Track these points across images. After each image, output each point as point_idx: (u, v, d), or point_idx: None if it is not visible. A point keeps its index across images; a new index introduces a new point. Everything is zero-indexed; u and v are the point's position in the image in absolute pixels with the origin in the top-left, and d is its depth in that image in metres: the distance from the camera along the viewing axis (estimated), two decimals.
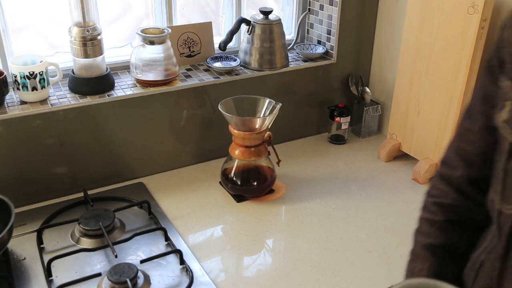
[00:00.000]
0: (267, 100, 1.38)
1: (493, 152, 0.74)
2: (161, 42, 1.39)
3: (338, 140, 1.72)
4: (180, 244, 1.18)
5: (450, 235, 0.81)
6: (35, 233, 1.18)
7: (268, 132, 1.36)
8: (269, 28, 1.55)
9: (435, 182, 0.84)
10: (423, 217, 0.84)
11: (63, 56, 1.42)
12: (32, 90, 1.26)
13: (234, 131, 1.33)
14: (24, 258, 1.13)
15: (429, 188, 0.86)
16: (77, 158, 1.36)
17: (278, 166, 1.44)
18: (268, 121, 1.34)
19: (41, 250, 1.15)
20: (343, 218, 1.32)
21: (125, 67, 1.49)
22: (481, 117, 0.76)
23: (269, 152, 1.40)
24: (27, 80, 1.25)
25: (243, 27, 1.58)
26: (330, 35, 1.67)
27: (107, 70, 1.38)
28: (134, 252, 1.15)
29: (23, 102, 1.28)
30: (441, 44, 1.38)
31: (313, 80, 1.68)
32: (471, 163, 0.79)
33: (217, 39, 1.59)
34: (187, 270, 1.10)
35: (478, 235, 0.82)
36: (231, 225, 1.28)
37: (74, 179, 1.38)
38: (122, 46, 1.52)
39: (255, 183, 1.37)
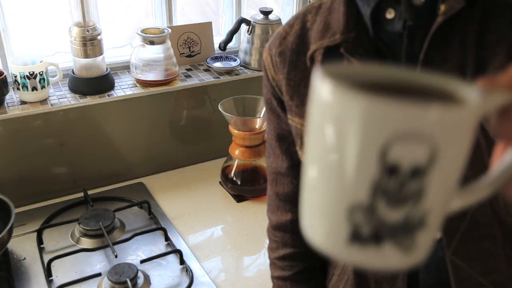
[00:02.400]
0: None
1: None
2: (161, 42, 1.39)
3: None
4: (180, 244, 1.18)
5: (305, 285, 0.80)
6: (35, 233, 1.18)
7: None
8: (269, 28, 1.55)
9: (271, 235, 0.82)
10: (274, 276, 0.83)
11: (63, 56, 1.42)
12: (32, 90, 1.26)
13: (234, 131, 1.33)
14: (24, 258, 1.13)
15: (268, 243, 0.84)
16: (77, 158, 1.36)
17: None
18: None
19: (41, 250, 1.15)
20: None
21: (125, 67, 1.49)
22: (285, 157, 0.74)
23: None
24: (27, 80, 1.25)
25: (243, 27, 1.58)
26: None
27: (107, 70, 1.38)
28: (134, 252, 1.15)
29: (23, 102, 1.28)
30: None
31: None
32: (296, 203, 0.76)
33: (217, 39, 1.59)
34: (187, 270, 1.09)
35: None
36: (231, 225, 1.28)
37: (74, 179, 1.37)
38: (122, 46, 1.51)
39: (255, 183, 1.37)
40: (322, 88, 0.24)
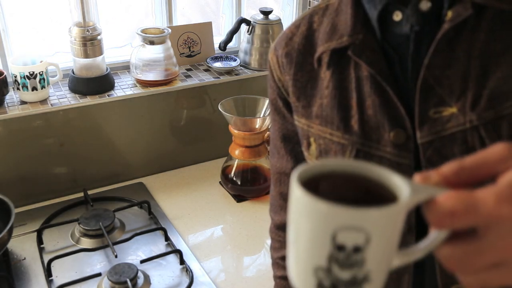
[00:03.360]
0: (267, 100, 1.38)
1: None
2: (161, 42, 1.39)
3: None
4: (180, 244, 1.18)
5: None
6: (35, 233, 1.18)
7: (268, 132, 1.36)
8: (269, 28, 1.55)
9: (274, 235, 0.83)
10: (277, 275, 0.83)
11: (63, 56, 1.42)
12: (32, 90, 1.26)
13: (234, 131, 1.33)
14: (24, 258, 1.13)
15: (271, 243, 0.84)
16: (77, 158, 1.36)
17: None
18: (268, 121, 1.34)
19: (41, 250, 1.15)
20: None
21: (125, 67, 1.49)
22: (290, 157, 0.75)
23: (269, 152, 1.40)
24: (27, 80, 1.25)
25: (243, 27, 1.58)
26: None
27: (107, 70, 1.38)
28: (134, 252, 1.15)
29: (23, 102, 1.28)
30: None
31: None
32: None
33: (217, 39, 1.59)
34: (187, 270, 1.10)
35: None
36: (231, 225, 1.28)
37: (74, 179, 1.38)
38: (122, 46, 1.52)
39: (255, 183, 1.37)
40: (296, 191, 0.35)
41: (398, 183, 0.37)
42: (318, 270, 0.36)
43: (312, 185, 0.36)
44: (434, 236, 0.36)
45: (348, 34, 0.59)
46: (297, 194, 0.35)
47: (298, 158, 0.74)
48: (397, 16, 0.55)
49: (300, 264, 0.37)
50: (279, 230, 0.81)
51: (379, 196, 0.37)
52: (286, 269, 0.80)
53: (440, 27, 0.53)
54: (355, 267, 0.35)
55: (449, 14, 0.52)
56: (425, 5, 0.53)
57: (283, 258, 0.81)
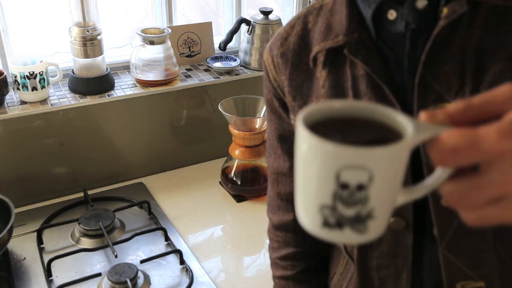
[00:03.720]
0: None
1: None
2: (161, 42, 1.39)
3: None
4: (180, 244, 1.18)
5: (307, 284, 0.80)
6: (35, 233, 1.18)
7: None
8: (269, 28, 1.55)
9: (272, 235, 0.83)
10: (276, 275, 0.83)
11: (63, 56, 1.42)
12: (32, 90, 1.26)
13: (234, 131, 1.33)
14: (24, 258, 1.13)
15: (269, 243, 0.84)
16: (77, 158, 1.36)
17: None
18: None
19: (41, 250, 1.15)
20: None
21: (125, 67, 1.49)
22: (287, 157, 0.75)
23: None
24: (27, 80, 1.25)
25: (243, 27, 1.58)
26: None
27: (107, 70, 1.38)
28: (134, 252, 1.15)
29: (23, 102, 1.28)
30: None
31: None
32: None
33: (217, 39, 1.59)
34: (187, 270, 1.10)
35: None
36: (231, 225, 1.28)
37: (74, 179, 1.38)
38: (122, 46, 1.52)
39: (255, 183, 1.37)
40: (301, 132, 0.36)
41: (402, 122, 0.37)
42: (324, 208, 0.37)
43: (317, 126, 0.37)
44: (438, 174, 0.37)
45: (343, 33, 0.59)
46: (303, 135, 0.36)
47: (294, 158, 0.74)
48: (392, 15, 0.55)
49: (307, 203, 0.38)
50: (277, 230, 0.81)
51: (383, 136, 0.37)
52: (286, 270, 0.81)
53: (436, 24, 0.53)
54: (359, 205, 0.36)
55: (445, 11, 0.52)
56: (421, 3, 0.53)
57: (282, 258, 0.81)
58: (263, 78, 0.73)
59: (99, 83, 1.35)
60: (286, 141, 0.74)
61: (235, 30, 1.55)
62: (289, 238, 0.79)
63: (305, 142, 0.36)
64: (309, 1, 1.71)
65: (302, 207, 0.39)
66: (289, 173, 0.75)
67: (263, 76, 0.73)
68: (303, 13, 0.68)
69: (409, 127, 0.36)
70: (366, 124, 0.39)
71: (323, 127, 0.37)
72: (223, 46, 1.56)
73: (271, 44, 0.70)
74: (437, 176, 0.37)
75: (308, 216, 0.39)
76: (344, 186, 0.35)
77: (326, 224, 0.37)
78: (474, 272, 0.60)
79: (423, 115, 0.36)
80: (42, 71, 1.27)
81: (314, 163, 0.36)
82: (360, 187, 0.35)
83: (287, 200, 0.78)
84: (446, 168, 0.36)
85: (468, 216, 0.36)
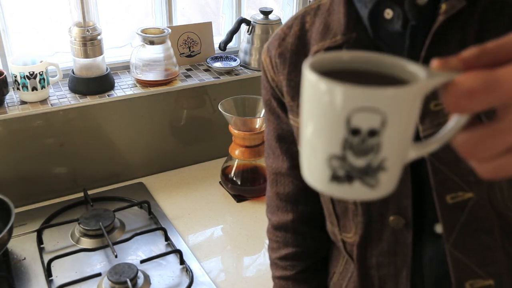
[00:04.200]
0: None
1: None
2: (161, 42, 1.39)
3: None
4: (180, 244, 1.18)
5: (307, 284, 0.80)
6: (35, 233, 1.18)
7: None
8: (269, 28, 1.55)
9: (271, 236, 0.82)
10: (276, 276, 0.83)
11: (63, 56, 1.42)
12: (32, 90, 1.26)
13: (234, 131, 1.33)
14: (24, 258, 1.13)
15: (269, 243, 0.84)
16: (77, 158, 1.36)
17: None
18: None
19: (41, 250, 1.15)
20: None
21: (125, 67, 1.49)
22: (286, 157, 0.74)
23: None
24: (27, 80, 1.25)
25: (243, 27, 1.58)
26: None
27: (107, 70, 1.38)
28: (134, 252, 1.15)
29: (23, 102, 1.28)
30: None
31: None
32: (296, 203, 0.77)
33: (217, 39, 1.59)
34: (187, 270, 1.10)
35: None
36: (231, 225, 1.28)
37: (74, 179, 1.38)
38: (122, 46, 1.52)
39: (255, 183, 1.37)
40: (309, 77, 0.34)
41: (414, 70, 0.35)
42: (332, 159, 0.35)
43: (324, 75, 0.34)
44: (452, 123, 0.35)
45: (341, 33, 0.60)
46: (310, 80, 0.34)
47: (294, 158, 0.74)
48: (388, 14, 0.56)
49: (314, 156, 0.36)
50: (277, 230, 0.81)
51: (395, 84, 0.34)
52: (285, 270, 0.81)
53: (434, 21, 0.53)
54: (370, 153, 0.34)
55: (443, 6, 0.52)
56: (422, 0, 0.53)
57: (281, 259, 0.81)
58: (261, 79, 0.73)
59: (99, 83, 1.35)
60: (285, 141, 0.74)
61: (235, 30, 1.55)
62: (288, 238, 0.79)
63: (312, 86, 0.34)
64: (309, 1, 1.71)
65: (309, 161, 0.37)
66: (288, 173, 0.75)
67: (261, 76, 0.73)
68: (300, 13, 0.68)
69: (421, 74, 0.34)
70: (376, 75, 0.37)
71: (330, 76, 0.34)
72: (223, 46, 1.56)
73: (268, 44, 0.70)
74: (451, 126, 0.35)
75: (314, 170, 0.36)
76: (355, 131, 0.33)
77: (334, 177, 0.35)
78: (482, 269, 0.59)
79: (435, 62, 0.34)
80: (42, 71, 1.27)
81: (322, 109, 0.34)
82: (372, 133, 0.33)
83: (286, 201, 0.78)
84: (461, 116, 0.34)
85: (483, 168, 0.34)
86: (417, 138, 0.57)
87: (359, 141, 0.33)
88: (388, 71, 0.36)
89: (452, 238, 0.59)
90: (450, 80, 0.33)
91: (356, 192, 0.36)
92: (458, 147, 0.34)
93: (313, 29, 0.65)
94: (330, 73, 0.35)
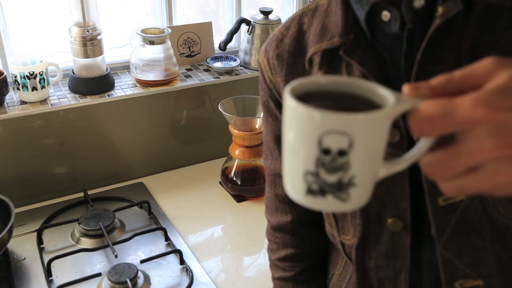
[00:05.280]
0: None
1: None
2: (161, 42, 1.39)
3: None
4: (180, 244, 1.18)
5: (306, 285, 0.80)
6: (35, 233, 1.18)
7: None
8: (269, 28, 1.55)
9: (270, 237, 0.82)
10: (275, 277, 0.83)
11: (63, 56, 1.42)
12: (32, 90, 1.26)
13: (234, 131, 1.33)
14: (24, 258, 1.13)
15: (268, 244, 0.84)
16: (77, 158, 1.36)
17: None
18: None
19: (41, 250, 1.15)
20: None
21: (125, 67, 1.49)
22: None
23: None
24: (27, 80, 1.25)
25: (243, 27, 1.58)
26: None
27: (107, 70, 1.38)
28: (134, 252, 1.15)
29: (23, 102, 1.28)
30: None
31: None
32: (295, 204, 0.77)
33: (217, 39, 1.59)
34: (187, 270, 1.10)
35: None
36: (231, 225, 1.28)
37: (74, 179, 1.38)
38: (122, 46, 1.52)
39: (255, 183, 1.37)
40: (288, 102, 0.38)
41: (384, 94, 0.38)
42: (307, 175, 0.38)
43: (303, 98, 0.38)
44: (419, 146, 0.38)
45: (339, 34, 0.60)
46: (288, 104, 0.38)
47: None
48: (385, 16, 0.55)
49: (292, 171, 0.40)
50: (276, 231, 0.81)
51: (365, 107, 0.38)
52: (285, 271, 0.81)
53: (431, 24, 0.53)
54: (341, 171, 0.37)
55: (440, 10, 0.52)
56: (418, 3, 0.53)
57: (281, 260, 0.81)
58: (259, 80, 0.73)
59: (99, 83, 1.35)
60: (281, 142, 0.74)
61: (235, 30, 1.55)
62: (287, 239, 0.79)
63: (290, 109, 0.38)
64: (309, 2, 1.71)
65: (288, 175, 0.41)
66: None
67: (259, 77, 0.73)
68: (298, 14, 0.68)
69: (390, 99, 0.37)
70: (349, 97, 0.40)
71: (308, 99, 0.38)
72: (223, 46, 1.56)
73: (266, 45, 0.70)
74: (418, 149, 0.38)
75: (293, 184, 0.40)
76: (326, 151, 0.37)
77: (309, 191, 0.39)
78: (472, 270, 0.60)
79: (406, 88, 0.37)
80: (42, 71, 1.27)
81: (298, 130, 0.38)
82: (341, 153, 0.37)
83: (285, 202, 0.78)
84: (426, 140, 0.37)
85: (446, 186, 0.37)
86: (409, 143, 0.57)
87: (330, 159, 0.37)
88: (361, 93, 0.40)
89: (443, 239, 0.59)
90: (415, 107, 0.36)
91: (329, 205, 0.39)
92: (424, 167, 0.37)
93: (310, 30, 0.65)
94: (309, 95, 0.40)
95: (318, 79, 0.42)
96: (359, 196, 0.39)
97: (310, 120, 0.36)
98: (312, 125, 0.36)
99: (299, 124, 0.37)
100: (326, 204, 0.39)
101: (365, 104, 0.39)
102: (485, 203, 0.57)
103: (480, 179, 0.35)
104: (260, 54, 0.72)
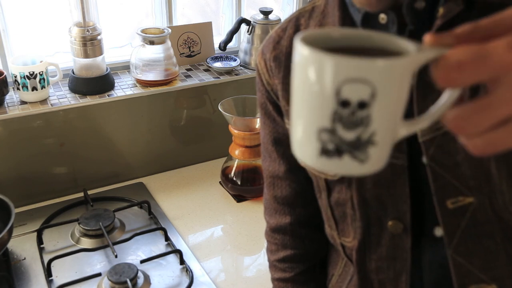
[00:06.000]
0: None
1: (310, 186, 0.72)
2: (161, 42, 1.39)
3: None
4: (180, 244, 1.18)
5: (306, 286, 0.80)
6: (35, 233, 1.18)
7: None
8: (269, 28, 1.55)
9: (269, 238, 0.82)
10: (274, 278, 0.83)
11: (63, 56, 1.42)
12: (32, 90, 1.26)
13: (234, 131, 1.33)
14: (24, 258, 1.13)
15: (267, 246, 0.84)
16: (77, 158, 1.36)
17: None
18: None
19: (41, 250, 1.15)
20: None
21: (125, 67, 1.49)
22: (282, 161, 0.74)
23: None
24: (27, 80, 1.25)
25: (243, 27, 1.58)
26: None
27: (107, 70, 1.38)
28: (134, 252, 1.15)
29: (23, 102, 1.28)
30: None
31: None
32: (294, 206, 0.77)
33: (217, 39, 1.59)
34: (187, 270, 1.10)
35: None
36: (231, 225, 1.28)
37: (74, 179, 1.38)
38: (122, 46, 1.52)
39: (255, 183, 1.37)
40: (300, 50, 0.34)
41: (405, 45, 0.35)
42: (322, 133, 0.35)
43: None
44: (444, 99, 0.35)
45: None
46: (300, 52, 0.34)
47: (290, 161, 0.73)
48: (383, 19, 0.55)
49: (304, 130, 0.36)
50: (275, 233, 0.81)
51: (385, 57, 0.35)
52: (284, 272, 0.81)
53: (431, 25, 0.53)
54: (360, 126, 0.34)
55: (441, 10, 0.52)
56: (419, 4, 0.53)
57: (280, 261, 0.81)
58: (256, 82, 0.73)
59: (99, 83, 1.35)
60: (281, 144, 0.73)
61: (235, 30, 1.55)
62: (286, 240, 0.79)
63: (302, 58, 0.34)
64: (309, 1, 1.71)
65: (299, 135, 0.37)
66: (285, 176, 0.75)
67: (256, 79, 0.72)
68: (294, 15, 0.68)
69: (411, 49, 0.34)
70: (366, 51, 0.36)
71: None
72: (223, 46, 1.56)
73: (263, 47, 0.70)
74: (442, 102, 0.35)
75: (304, 145, 0.36)
76: (344, 103, 0.33)
77: (324, 151, 0.35)
78: (485, 274, 0.59)
79: (428, 37, 0.34)
80: (42, 71, 1.27)
81: (311, 80, 0.34)
82: (362, 105, 0.33)
83: (284, 203, 0.77)
84: (452, 91, 0.34)
85: (474, 143, 0.34)
86: (416, 142, 0.56)
87: (349, 113, 0.33)
88: (379, 46, 0.36)
89: (454, 243, 0.58)
90: (441, 55, 0.33)
91: (346, 166, 0.35)
92: (448, 123, 0.34)
93: None
94: (320, 49, 0.35)
95: (330, 31, 0.38)
96: (377, 157, 0.35)
97: (327, 68, 0.32)
98: (331, 73, 0.32)
99: (314, 74, 0.33)
100: (343, 166, 0.35)
101: (384, 56, 0.34)
102: (495, 204, 0.56)
103: None
104: (257, 56, 0.71)
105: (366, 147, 0.35)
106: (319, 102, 0.34)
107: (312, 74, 0.33)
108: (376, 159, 0.36)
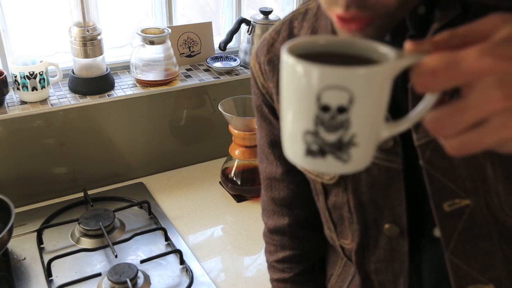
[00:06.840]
0: None
1: (307, 188, 0.72)
2: (161, 42, 1.39)
3: None
4: (180, 244, 1.18)
5: (305, 286, 0.80)
6: (35, 233, 1.18)
7: None
8: (269, 28, 1.55)
9: (268, 239, 0.82)
10: (273, 278, 0.83)
11: (63, 56, 1.42)
12: (32, 90, 1.26)
13: (234, 131, 1.33)
14: (24, 258, 1.13)
15: (266, 247, 0.84)
16: (77, 158, 1.36)
17: None
18: None
19: (41, 250, 1.15)
20: None
21: (125, 67, 1.49)
22: (279, 163, 0.74)
23: None
24: (27, 80, 1.25)
25: (243, 27, 1.58)
26: None
27: (107, 70, 1.38)
28: (134, 252, 1.15)
29: (23, 102, 1.28)
30: None
31: None
32: (292, 207, 0.77)
33: (217, 39, 1.59)
34: (187, 270, 1.10)
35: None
36: (231, 225, 1.28)
37: (74, 179, 1.38)
38: (122, 46, 1.52)
39: (255, 183, 1.37)
40: (285, 59, 0.37)
41: (385, 51, 0.37)
42: (306, 135, 0.37)
43: (301, 57, 0.37)
44: (423, 104, 0.37)
45: None
46: (285, 61, 0.37)
47: (287, 163, 0.73)
48: None
49: (290, 131, 0.39)
50: (273, 234, 0.81)
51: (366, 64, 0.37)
52: (283, 272, 0.81)
53: (428, 28, 0.53)
54: (341, 129, 0.36)
55: (438, 14, 0.52)
56: (421, 9, 0.53)
57: (279, 261, 0.81)
58: (251, 84, 0.72)
59: (99, 83, 1.35)
60: (278, 146, 0.73)
61: (235, 30, 1.55)
62: (285, 241, 0.79)
63: (287, 67, 0.37)
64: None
65: (287, 137, 0.40)
66: (283, 178, 0.75)
67: (251, 82, 0.72)
68: (288, 18, 0.67)
69: (391, 56, 0.36)
70: (349, 57, 0.39)
71: (307, 59, 0.37)
72: (223, 46, 1.56)
73: (257, 50, 0.69)
74: (422, 106, 0.37)
75: (292, 145, 0.39)
76: (325, 108, 0.36)
77: (309, 152, 0.38)
78: (482, 275, 0.59)
79: (408, 44, 0.36)
80: (42, 71, 1.27)
81: (295, 87, 0.36)
82: (341, 110, 0.35)
83: (282, 205, 0.77)
84: (431, 96, 0.36)
85: (450, 144, 0.35)
86: (412, 146, 0.56)
87: (329, 117, 0.36)
88: (361, 53, 0.39)
89: (451, 245, 0.58)
90: (418, 62, 0.35)
91: (330, 166, 0.38)
92: (427, 125, 0.36)
93: (301, 34, 0.64)
94: (307, 55, 0.37)
95: (316, 39, 0.40)
96: (360, 157, 0.38)
97: (308, 76, 0.35)
98: (311, 81, 0.35)
99: (298, 81, 0.36)
100: (326, 166, 0.38)
101: (366, 62, 0.37)
102: (491, 205, 0.56)
103: (486, 134, 0.34)
104: (251, 59, 0.71)
105: (348, 148, 0.37)
106: (302, 106, 0.36)
107: (296, 81, 0.36)
108: (358, 159, 0.38)
